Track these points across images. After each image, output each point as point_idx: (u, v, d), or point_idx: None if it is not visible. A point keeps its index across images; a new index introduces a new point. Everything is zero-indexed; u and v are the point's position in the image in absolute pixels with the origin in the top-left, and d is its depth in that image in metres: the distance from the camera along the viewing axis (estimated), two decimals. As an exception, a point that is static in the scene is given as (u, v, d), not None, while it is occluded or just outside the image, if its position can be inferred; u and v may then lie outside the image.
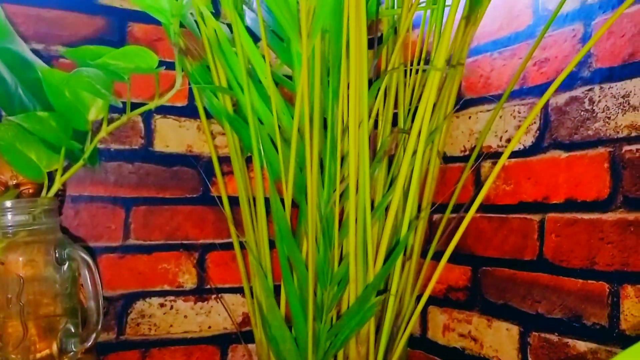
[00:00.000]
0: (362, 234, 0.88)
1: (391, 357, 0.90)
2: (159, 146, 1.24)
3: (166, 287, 1.24)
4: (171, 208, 1.25)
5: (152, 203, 1.23)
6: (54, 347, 0.81)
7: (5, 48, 0.84)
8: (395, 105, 1.05)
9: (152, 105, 0.95)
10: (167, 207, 1.24)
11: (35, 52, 1.13)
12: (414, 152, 0.86)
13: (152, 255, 1.23)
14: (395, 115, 1.06)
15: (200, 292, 1.27)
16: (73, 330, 0.84)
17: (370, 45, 0.90)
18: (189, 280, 1.26)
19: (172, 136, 1.25)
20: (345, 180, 0.89)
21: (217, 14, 1.16)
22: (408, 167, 0.86)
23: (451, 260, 1.17)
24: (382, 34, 1.16)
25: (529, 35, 1.05)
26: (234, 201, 1.23)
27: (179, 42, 0.86)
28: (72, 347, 0.82)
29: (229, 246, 1.29)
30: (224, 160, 1.26)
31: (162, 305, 1.24)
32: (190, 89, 1.24)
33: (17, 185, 0.91)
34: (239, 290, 1.29)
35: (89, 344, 0.82)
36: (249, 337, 1.29)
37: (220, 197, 1.23)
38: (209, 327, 1.27)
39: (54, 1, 1.15)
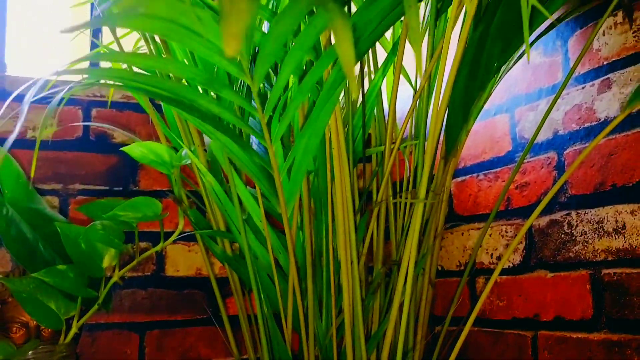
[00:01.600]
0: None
1: None
2: (170, 271, 1.31)
3: (179, 409, 1.28)
4: (183, 330, 1.31)
5: (165, 326, 1.29)
6: None
7: (28, 207, 0.93)
8: (388, 219, 1.12)
9: (157, 248, 1.03)
10: (179, 329, 1.30)
11: (54, 191, 1.23)
12: (405, 282, 0.92)
13: (165, 377, 1.28)
14: (388, 229, 1.13)
15: (212, 411, 1.30)
16: None
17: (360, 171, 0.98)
18: (201, 400, 1.30)
19: (182, 260, 1.32)
20: (341, 314, 0.95)
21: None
22: (400, 298, 0.91)
23: (453, 373, 1.20)
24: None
25: (509, 160, 1.13)
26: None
27: (180, 192, 0.94)
28: None
29: (239, 363, 1.33)
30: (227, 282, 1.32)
31: None
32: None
33: (37, 326, 0.98)
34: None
35: None
36: None
37: (230, 317, 1.29)
38: None
39: (71, 144, 1.26)
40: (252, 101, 0.64)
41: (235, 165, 0.97)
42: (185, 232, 1.32)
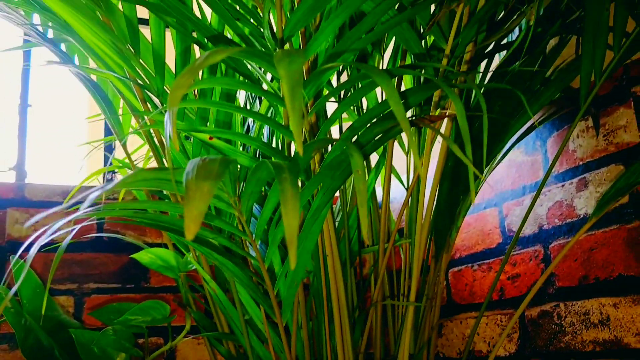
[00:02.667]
0: None
1: None
2: (180, 365, 1.35)
3: None
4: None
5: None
6: None
7: (44, 315, 1.00)
8: (385, 312, 1.17)
9: (166, 347, 1.08)
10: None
11: (69, 291, 1.30)
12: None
13: None
14: (386, 327, 1.18)
15: None
16: None
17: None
18: None
19: (192, 354, 1.36)
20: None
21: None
22: None
23: None
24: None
25: (500, 252, 1.19)
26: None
27: (187, 294, 1.00)
28: None
29: None
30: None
31: None
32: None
33: None
34: None
35: None
36: None
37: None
38: None
39: (86, 245, 1.33)
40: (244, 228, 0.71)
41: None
42: (194, 326, 1.38)
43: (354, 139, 0.84)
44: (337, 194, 1.27)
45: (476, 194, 1.08)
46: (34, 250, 0.72)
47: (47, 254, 1.32)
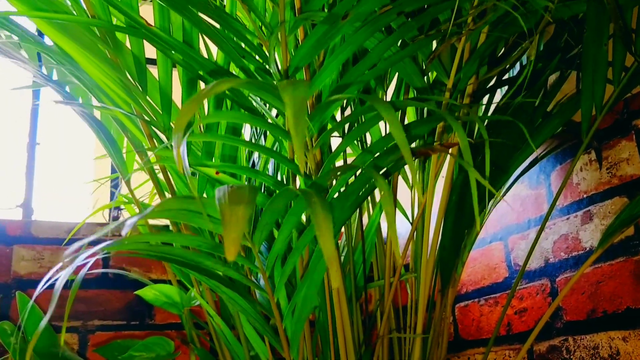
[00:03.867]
0: None
1: None
2: (184, 404, 1.33)
3: None
4: None
5: None
6: None
7: (49, 353, 0.99)
8: (392, 349, 1.16)
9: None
10: None
11: (73, 328, 1.29)
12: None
13: None
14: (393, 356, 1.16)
15: None
16: None
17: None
18: None
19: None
20: None
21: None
22: None
23: None
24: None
25: (507, 287, 1.18)
26: None
27: (191, 331, 1.00)
28: None
29: None
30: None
31: None
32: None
33: None
34: None
35: None
36: None
37: None
38: None
39: (91, 282, 1.33)
40: (255, 261, 0.71)
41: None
42: (199, 364, 1.36)
43: (358, 172, 0.85)
44: (342, 229, 1.27)
45: (481, 227, 1.08)
46: (40, 286, 0.72)
47: (53, 291, 1.31)
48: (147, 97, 0.92)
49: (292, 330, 0.77)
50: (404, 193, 1.39)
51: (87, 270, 1.36)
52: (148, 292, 1.07)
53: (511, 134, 0.98)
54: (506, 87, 1.08)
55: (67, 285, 1.33)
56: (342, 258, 1.13)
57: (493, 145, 0.99)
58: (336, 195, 0.72)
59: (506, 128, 0.98)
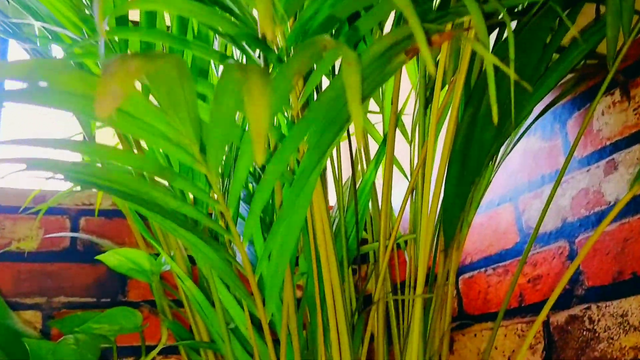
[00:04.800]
0: None
1: None
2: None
3: None
4: None
5: None
6: None
7: (1, 324, 0.86)
8: (389, 322, 1.03)
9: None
10: None
11: (37, 305, 1.16)
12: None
13: None
14: (390, 336, 1.03)
15: None
16: None
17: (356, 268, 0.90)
18: None
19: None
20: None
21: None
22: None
23: None
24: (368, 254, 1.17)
25: (518, 253, 1.05)
26: None
27: (162, 302, 0.87)
28: None
29: None
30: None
31: None
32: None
33: None
34: None
35: None
36: None
37: None
38: None
39: (58, 255, 1.20)
40: (210, 192, 0.59)
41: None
42: (168, 345, 1.23)
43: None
44: (334, 191, 1.14)
45: (488, 183, 0.95)
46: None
47: (15, 263, 1.19)
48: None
49: (269, 283, 0.64)
50: (402, 150, 1.26)
51: (54, 245, 1.23)
52: (111, 257, 0.94)
53: (524, 69, 0.85)
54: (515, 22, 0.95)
55: (33, 258, 1.20)
56: (333, 219, 1.00)
57: (500, 87, 0.87)
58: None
59: (517, 61, 0.85)
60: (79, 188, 1.16)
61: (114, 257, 0.94)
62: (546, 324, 0.99)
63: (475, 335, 1.13)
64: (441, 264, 0.91)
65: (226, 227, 0.70)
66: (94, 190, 1.25)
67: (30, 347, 0.86)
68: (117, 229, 1.25)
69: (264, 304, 0.66)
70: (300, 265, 0.97)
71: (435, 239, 0.96)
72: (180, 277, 0.84)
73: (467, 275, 1.16)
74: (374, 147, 1.14)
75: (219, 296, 0.85)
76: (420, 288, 0.78)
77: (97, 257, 0.94)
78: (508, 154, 0.97)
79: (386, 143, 0.95)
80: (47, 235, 1.21)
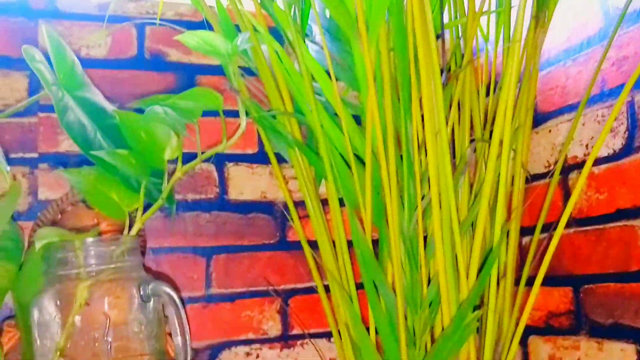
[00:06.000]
0: (450, 250, 0.83)
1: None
2: (233, 194, 1.24)
3: (251, 336, 1.21)
4: (250, 255, 1.23)
5: (232, 251, 1.22)
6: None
7: (83, 97, 0.87)
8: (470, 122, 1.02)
9: (221, 147, 0.96)
10: (246, 254, 1.23)
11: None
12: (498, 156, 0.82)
13: (235, 303, 1.21)
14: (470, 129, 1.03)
15: (286, 339, 1.23)
16: (160, 372, 0.82)
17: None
18: (273, 327, 1.22)
19: (246, 184, 1.25)
20: (426, 197, 0.85)
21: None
22: (494, 174, 0.81)
23: (548, 283, 1.09)
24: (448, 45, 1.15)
25: (602, 38, 1.01)
26: (312, 245, 1.23)
27: (238, 82, 0.87)
28: (161, 387, 0.80)
29: (310, 291, 1.25)
30: (299, 204, 1.25)
31: (248, 354, 1.20)
32: (260, 136, 1.25)
33: (99, 233, 0.92)
34: (324, 335, 1.24)
35: (178, 383, 0.80)
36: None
37: (297, 242, 1.22)
38: (298, 376, 1.22)
39: (126, 63, 1.20)
40: None
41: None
42: (248, 153, 1.25)
43: None
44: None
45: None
46: None
47: (86, 70, 1.19)
48: None
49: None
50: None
51: (120, 53, 1.23)
52: (190, 39, 0.93)
53: None
54: None
55: (102, 65, 1.20)
56: None
57: None
58: None
59: None
60: None
61: (193, 39, 0.93)
62: (631, 105, 0.97)
63: (550, 131, 1.12)
64: (531, 33, 0.88)
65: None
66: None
67: (120, 117, 0.87)
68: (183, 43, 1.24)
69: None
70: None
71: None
72: (260, 34, 0.83)
73: (543, 72, 1.13)
74: None
75: (305, 62, 0.84)
76: (515, 59, 0.75)
77: (176, 37, 0.93)
78: None
79: None
80: (114, 43, 1.21)
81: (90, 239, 0.81)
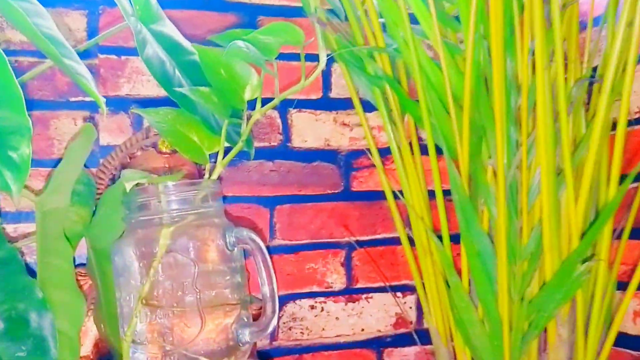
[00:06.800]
0: (555, 196, 0.77)
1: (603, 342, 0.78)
2: (296, 142, 1.18)
3: (315, 289, 1.17)
4: (314, 206, 1.19)
5: (295, 201, 1.18)
6: (229, 338, 0.75)
7: (159, 32, 0.81)
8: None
9: (299, 86, 0.90)
10: (309, 205, 1.18)
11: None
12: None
13: (298, 255, 1.17)
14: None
15: (350, 292, 1.19)
16: (246, 321, 0.78)
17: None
18: (337, 281, 1.18)
19: (309, 131, 1.19)
20: (530, 137, 0.79)
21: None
22: (605, 112, 0.75)
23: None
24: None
25: None
26: (375, 196, 1.18)
27: (316, 9, 0.80)
28: (248, 337, 0.76)
29: (374, 243, 1.21)
30: (363, 153, 1.19)
31: (312, 307, 1.17)
32: (324, 81, 1.19)
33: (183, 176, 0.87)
34: (387, 290, 1.20)
35: (268, 331, 0.76)
36: (403, 340, 1.20)
37: (360, 193, 1.17)
38: (362, 330, 1.19)
39: (186, 2, 1.14)
40: None
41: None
42: (312, 99, 1.19)
43: None
44: None
45: None
46: None
47: None
48: None
49: None
50: None
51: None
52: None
53: None
54: None
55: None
56: None
57: None
58: None
59: None
60: None
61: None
62: None
63: (640, 74, 1.05)
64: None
65: None
66: None
67: (200, 54, 0.82)
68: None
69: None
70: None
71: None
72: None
73: None
74: None
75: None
76: None
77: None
78: None
79: None
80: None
81: (171, 183, 0.76)
